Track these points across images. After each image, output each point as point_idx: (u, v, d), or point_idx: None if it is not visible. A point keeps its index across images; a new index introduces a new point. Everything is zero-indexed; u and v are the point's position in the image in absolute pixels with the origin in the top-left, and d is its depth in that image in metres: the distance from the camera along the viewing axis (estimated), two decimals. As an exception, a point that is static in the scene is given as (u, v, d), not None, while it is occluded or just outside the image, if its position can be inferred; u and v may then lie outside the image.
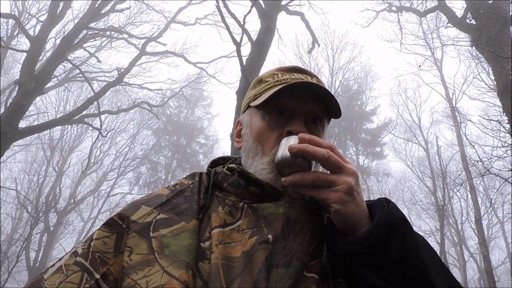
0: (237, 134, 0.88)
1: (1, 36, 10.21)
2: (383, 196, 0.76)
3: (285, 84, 0.74)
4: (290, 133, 0.73)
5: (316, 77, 0.83)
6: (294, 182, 0.63)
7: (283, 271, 0.59)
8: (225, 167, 0.79)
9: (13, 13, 11.47)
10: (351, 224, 0.60)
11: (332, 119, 0.83)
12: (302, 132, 0.71)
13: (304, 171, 0.64)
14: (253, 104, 0.80)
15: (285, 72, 0.82)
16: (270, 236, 0.63)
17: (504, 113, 5.46)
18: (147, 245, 0.63)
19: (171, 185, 0.76)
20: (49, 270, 0.63)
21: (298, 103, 0.76)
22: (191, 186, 0.75)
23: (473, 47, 7.04)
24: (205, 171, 0.82)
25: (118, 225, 0.66)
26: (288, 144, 0.65)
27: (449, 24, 8.00)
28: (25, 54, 8.70)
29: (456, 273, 17.51)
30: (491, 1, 6.33)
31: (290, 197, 0.70)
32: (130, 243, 0.63)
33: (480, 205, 12.64)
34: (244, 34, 5.51)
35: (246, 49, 7.24)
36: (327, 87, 0.88)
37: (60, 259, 0.65)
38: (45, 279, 0.61)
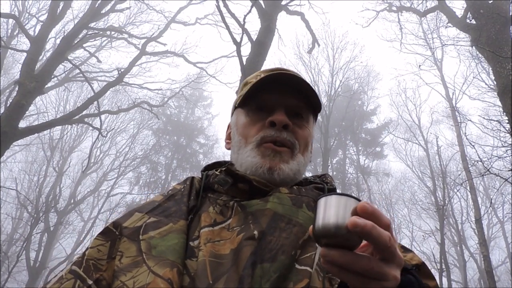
0: (227, 137, 0.91)
1: (1, 36, 10.21)
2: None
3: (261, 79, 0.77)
4: (273, 124, 0.74)
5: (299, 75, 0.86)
6: (341, 263, 0.47)
7: (267, 266, 0.60)
8: (218, 170, 0.82)
9: (13, 13, 11.46)
10: None
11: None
12: (284, 120, 0.73)
13: (349, 249, 0.47)
14: (237, 104, 0.84)
15: (268, 72, 0.84)
16: (255, 232, 0.64)
17: (504, 113, 5.46)
18: (136, 247, 0.64)
19: (165, 192, 0.79)
20: (52, 280, 0.65)
21: (277, 97, 0.78)
22: (182, 190, 0.77)
23: (473, 47, 7.04)
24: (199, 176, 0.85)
25: (112, 233, 0.69)
26: (330, 206, 0.48)
27: (449, 24, 8.02)
28: (25, 54, 8.70)
29: (456, 273, 17.54)
30: (491, 1, 6.33)
31: (278, 191, 0.71)
32: (121, 248, 0.66)
33: (480, 205, 12.61)
34: (244, 34, 5.52)
35: (246, 49, 7.24)
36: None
37: (62, 270, 0.68)
38: None
